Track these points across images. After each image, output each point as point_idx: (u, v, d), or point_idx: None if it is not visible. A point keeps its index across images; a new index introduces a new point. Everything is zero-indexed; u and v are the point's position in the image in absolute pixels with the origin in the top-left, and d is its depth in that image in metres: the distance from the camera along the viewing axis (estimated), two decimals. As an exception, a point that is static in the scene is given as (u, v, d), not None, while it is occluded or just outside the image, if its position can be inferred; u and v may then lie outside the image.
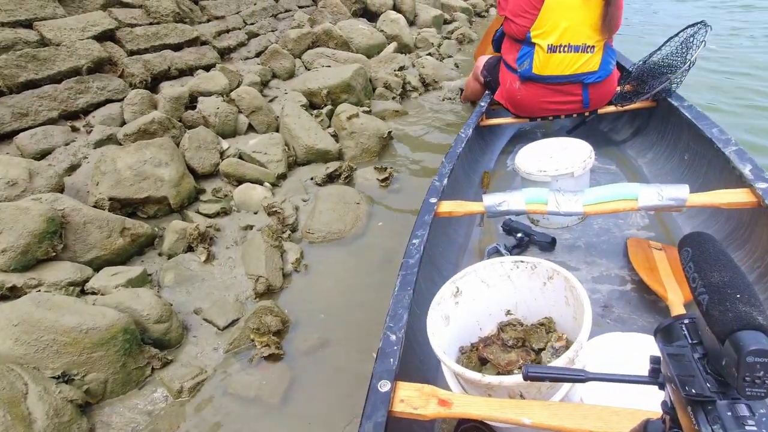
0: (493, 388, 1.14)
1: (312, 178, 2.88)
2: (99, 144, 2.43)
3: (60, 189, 2.02)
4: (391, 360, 1.34)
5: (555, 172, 2.02)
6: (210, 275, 2.06)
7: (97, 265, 1.88)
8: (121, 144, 2.43)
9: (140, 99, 2.68)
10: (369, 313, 1.98)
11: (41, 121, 2.36)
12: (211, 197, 2.48)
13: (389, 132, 3.33)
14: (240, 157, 2.74)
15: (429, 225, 1.99)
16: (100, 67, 2.73)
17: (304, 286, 2.12)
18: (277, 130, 3.12)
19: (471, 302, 1.44)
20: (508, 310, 1.56)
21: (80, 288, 1.74)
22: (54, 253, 1.77)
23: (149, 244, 2.14)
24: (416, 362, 1.59)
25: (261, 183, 2.63)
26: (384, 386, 1.23)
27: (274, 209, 2.40)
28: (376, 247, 2.39)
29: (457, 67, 4.89)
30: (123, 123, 2.63)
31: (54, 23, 2.62)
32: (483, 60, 3.22)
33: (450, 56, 5.21)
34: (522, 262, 1.39)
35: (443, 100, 4.25)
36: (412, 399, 1.23)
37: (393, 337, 1.40)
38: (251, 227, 2.37)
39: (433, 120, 3.90)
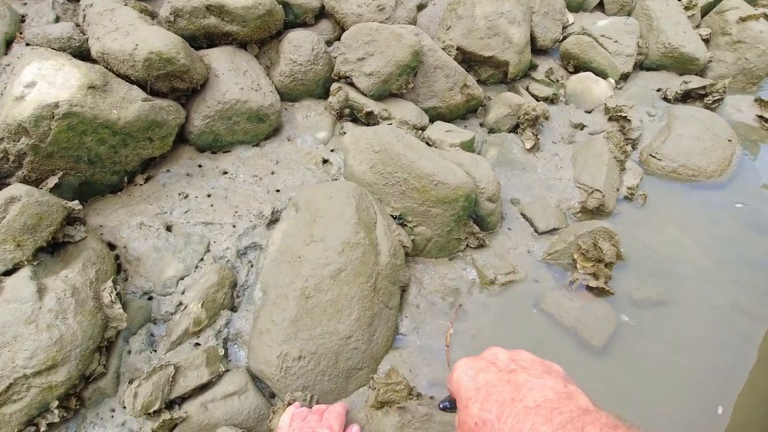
0: None
1: (659, 90, 2.21)
2: (446, -14, 2.20)
3: (413, 24, 1.88)
4: None
5: None
6: (532, 167, 1.77)
7: (431, 116, 1.76)
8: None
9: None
10: (731, 291, 1.46)
11: (403, -52, 2.22)
12: (543, 78, 2.09)
13: (791, 53, 2.29)
14: (583, 39, 2.22)
15: None
16: None
17: (639, 220, 1.67)
18: (630, 15, 2.43)
19: None
20: None
21: (420, 134, 1.65)
22: (404, 90, 1.69)
23: (474, 110, 1.93)
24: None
25: (604, 77, 2.11)
26: None
27: (621, 114, 1.90)
28: (746, 206, 1.73)
29: None
30: (469, -32, 2.33)
31: None
32: None
33: None
34: None
35: None
36: None
37: None
38: (582, 127, 1.94)
39: None
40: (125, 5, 1.47)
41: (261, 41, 1.72)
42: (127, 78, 1.31)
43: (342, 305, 1.17)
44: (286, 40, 1.67)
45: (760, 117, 2.05)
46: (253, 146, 1.56)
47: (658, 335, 1.35)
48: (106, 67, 1.31)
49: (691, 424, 1.14)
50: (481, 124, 1.91)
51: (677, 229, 1.64)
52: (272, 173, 1.49)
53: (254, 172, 1.47)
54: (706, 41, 2.38)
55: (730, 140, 1.90)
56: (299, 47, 1.64)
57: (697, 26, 2.46)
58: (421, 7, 2.14)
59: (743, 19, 2.26)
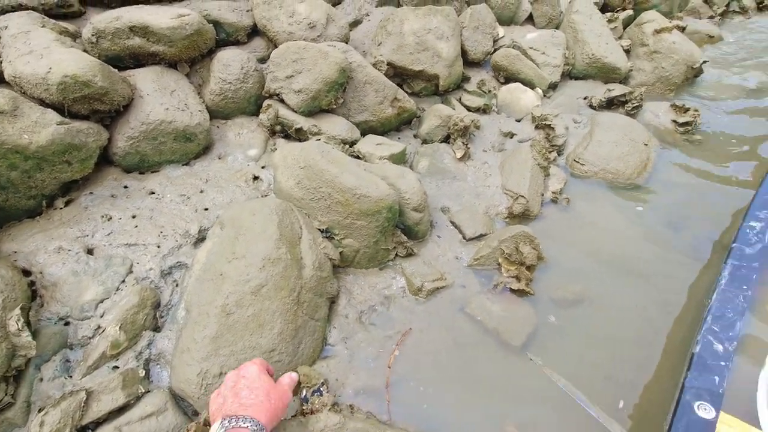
0: None
1: (586, 98, 2.35)
2: (381, 3, 2.27)
3: (346, 41, 1.94)
4: (716, 378, 0.99)
5: None
6: (462, 175, 1.85)
7: (363, 129, 1.81)
8: (401, 5, 2.23)
9: (428, -40, 2.39)
10: (645, 285, 1.56)
11: (337, -33, 2.28)
12: (475, 89, 2.18)
13: (703, 62, 2.48)
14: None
15: None
16: None
17: (562, 223, 1.77)
18: (558, 28, 2.57)
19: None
20: None
21: (349, 148, 1.69)
22: (334, 106, 1.73)
23: (407, 122, 2.00)
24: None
25: (532, 87, 2.22)
26: (705, 411, 0.92)
27: (546, 122, 2.00)
28: (658, 205, 1.85)
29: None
30: (404, -15, 2.41)
31: None
32: None
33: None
34: None
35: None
36: (745, 446, 0.87)
37: (719, 348, 1.06)
38: (512, 135, 2.04)
39: (764, 59, 2.80)
40: (42, 27, 1.46)
41: (192, 60, 1.74)
42: (42, 102, 1.30)
43: (264, 320, 1.19)
44: (216, 59, 1.70)
45: (675, 121, 2.20)
46: (183, 165, 1.57)
47: (575, 332, 1.43)
48: (20, 91, 1.30)
49: (595, 419, 1.21)
50: (415, 136, 1.98)
51: (596, 230, 1.74)
52: (201, 192, 1.50)
53: (182, 192, 1.48)
54: (628, 52, 2.54)
55: (646, 144, 2.03)
56: (228, 66, 1.67)
57: (620, 38, 2.62)
58: (355, 24, 2.21)
59: (658, 31, 2.43)
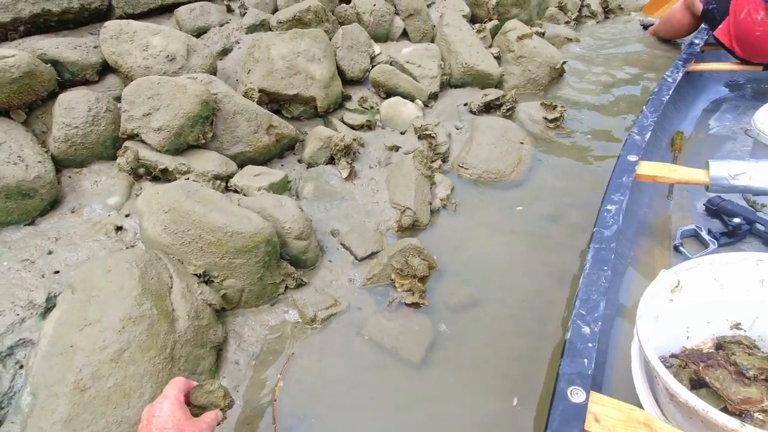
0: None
1: (466, 104, 2.46)
2: (251, 29, 2.22)
3: (213, 72, 1.85)
4: (585, 361, 1.05)
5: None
6: (350, 195, 1.83)
7: (240, 161, 1.73)
8: (272, 31, 2.20)
9: (296, -16, 2.39)
10: (531, 278, 1.63)
11: (200, -5, 2.19)
12: (356, 107, 2.19)
13: (563, 63, 2.72)
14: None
15: (629, 189, 1.59)
16: (259, -59, 2.46)
17: (452, 228, 1.81)
18: (433, 41, 2.68)
19: (689, 302, 1.15)
20: (738, 324, 1.18)
21: (225, 183, 1.61)
22: (204, 141, 1.63)
23: (290, 148, 1.95)
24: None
25: (412, 99, 2.28)
26: (577, 395, 0.97)
27: (426, 132, 2.06)
28: (539, 199, 1.97)
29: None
30: (275, 9, 2.38)
31: None
32: None
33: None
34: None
35: (630, 22, 3.41)
36: (612, 422, 0.97)
37: (586, 330, 1.12)
38: (397, 148, 2.07)
39: (615, 56, 3.15)
40: None
41: (29, 105, 1.56)
42: None
43: (130, 388, 1.06)
44: (57, 102, 1.53)
45: (545, 118, 2.37)
46: (26, 225, 1.38)
47: (471, 336, 1.44)
48: None
49: (492, 419, 1.23)
50: (300, 161, 1.93)
51: (484, 231, 1.80)
52: (50, 253, 1.32)
53: (24, 256, 1.29)
54: (498, 58, 2.71)
55: (522, 143, 2.16)
56: (72, 109, 1.51)
57: (490, 46, 2.80)
58: (225, 52, 2.13)
59: (521, 38, 2.62)
